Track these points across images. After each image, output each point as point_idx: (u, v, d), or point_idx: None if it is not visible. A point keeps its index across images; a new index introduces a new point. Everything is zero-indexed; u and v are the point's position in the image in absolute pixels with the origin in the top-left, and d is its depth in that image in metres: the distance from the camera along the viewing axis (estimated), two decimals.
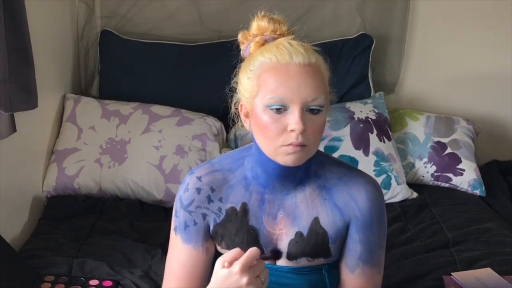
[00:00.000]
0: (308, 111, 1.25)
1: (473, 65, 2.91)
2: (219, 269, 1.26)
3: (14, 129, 2.04)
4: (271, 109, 1.25)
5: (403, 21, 2.83)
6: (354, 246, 1.38)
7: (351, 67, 2.80)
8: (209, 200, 1.39)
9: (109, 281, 1.87)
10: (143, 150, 2.48)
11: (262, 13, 1.33)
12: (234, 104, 1.37)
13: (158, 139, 2.51)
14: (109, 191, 2.46)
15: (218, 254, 1.42)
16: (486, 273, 1.96)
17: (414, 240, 2.25)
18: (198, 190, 1.38)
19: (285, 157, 1.27)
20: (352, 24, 2.85)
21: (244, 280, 1.23)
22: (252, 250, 1.25)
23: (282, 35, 1.31)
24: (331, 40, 2.80)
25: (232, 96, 1.37)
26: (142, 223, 2.32)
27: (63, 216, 2.30)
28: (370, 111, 2.68)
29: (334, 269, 1.42)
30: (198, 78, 2.74)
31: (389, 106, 2.85)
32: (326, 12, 2.82)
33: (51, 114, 2.56)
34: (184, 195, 1.40)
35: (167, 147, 2.49)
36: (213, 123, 2.62)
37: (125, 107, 2.61)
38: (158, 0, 2.78)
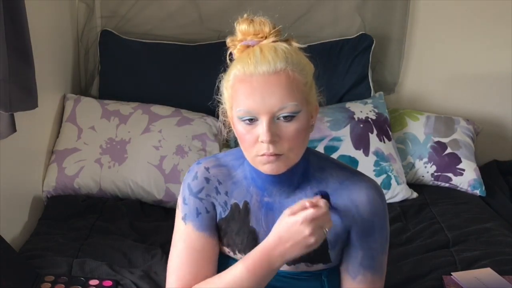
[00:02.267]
0: (281, 119, 1.24)
1: (473, 65, 2.91)
2: (285, 217, 1.24)
3: (14, 129, 2.04)
4: (243, 120, 1.25)
5: (403, 21, 2.83)
6: (355, 252, 1.36)
7: (351, 67, 2.80)
8: (217, 191, 1.38)
9: (109, 281, 1.87)
10: (143, 150, 2.48)
11: (245, 15, 1.31)
12: (221, 113, 1.36)
13: (158, 139, 2.51)
14: (109, 191, 2.46)
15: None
16: (486, 273, 1.96)
17: (414, 240, 2.25)
18: (207, 180, 1.38)
19: (263, 167, 1.27)
20: (352, 24, 2.85)
21: (307, 231, 1.22)
22: (319, 202, 1.24)
23: (265, 37, 1.28)
24: (331, 40, 2.80)
25: (218, 106, 1.37)
26: (142, 223, 2.32)
27: (63, 216, 2.30)
28: (370, 111, 2.68)
29: (334, 274, 1.40)
30: (198, 78, 2.74)
31: (389, 106, 2.85)
32: (326, 12, 2.82)
33: (51, 114, 2.56)
34: (193, 183, 1.38)
35: (167, 147, 2.49)
36: (213, 123, 2.62)
37: (125, 107, 2.61)
38: (158, 0, 2.79)
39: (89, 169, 2.44)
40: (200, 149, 2.52)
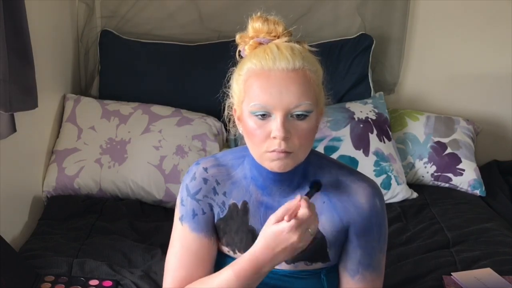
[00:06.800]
0: (294, 117, 1.24)
1: (473, 65, 2.91)
2: (270, 225, 1.24)
3: (14, 129, 2.04)
4: (256, 115, 1.25)
5: (403, 21, 2.83)
6: (354, 251, 1.36)
7: (351, 67, 2.80)
8: (215, 192, 1.38)
9: (109, 281, 1.87)
10: (143, 150, 2.48)
11: (258, 14, 1.31)
12: (227, 107, 1.37)
13: (158, 139, 2.51)
14: (109, 191, 2.46)
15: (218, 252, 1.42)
16: (486, 273, 1.97)
17: (414, 240, 2.25)
18: (205, 180, 1.38)
19: (271, 163, 1.26)
20: (352, 24, 2.85)
21: (295, 237, 1.22)
22: (299, 203, 1.24)
23: (277, 36, 1.29)
24: (331, 40, 2.80)
25: (225, 99, 1.37)
26: (142, 223, 2.32)
27: (63, 216, 2.30)
28: (370, 111, 2.68)
29: (333, 273, 1.40)
30: (198, 78, 2.74)
31: (389, 106, 2.85)
32: (326, 12, 2.82)
33: (51, 114, 2.56)
34: (190, 184, 1.39)
35: (167, 147, 2.50)
36: (213, 123, 2.62)
37: (125, 107, 2.61)
38: (158, 0, 2.79)
39: (89, 169, 2.44)
40: (200, 149, 2.52)
